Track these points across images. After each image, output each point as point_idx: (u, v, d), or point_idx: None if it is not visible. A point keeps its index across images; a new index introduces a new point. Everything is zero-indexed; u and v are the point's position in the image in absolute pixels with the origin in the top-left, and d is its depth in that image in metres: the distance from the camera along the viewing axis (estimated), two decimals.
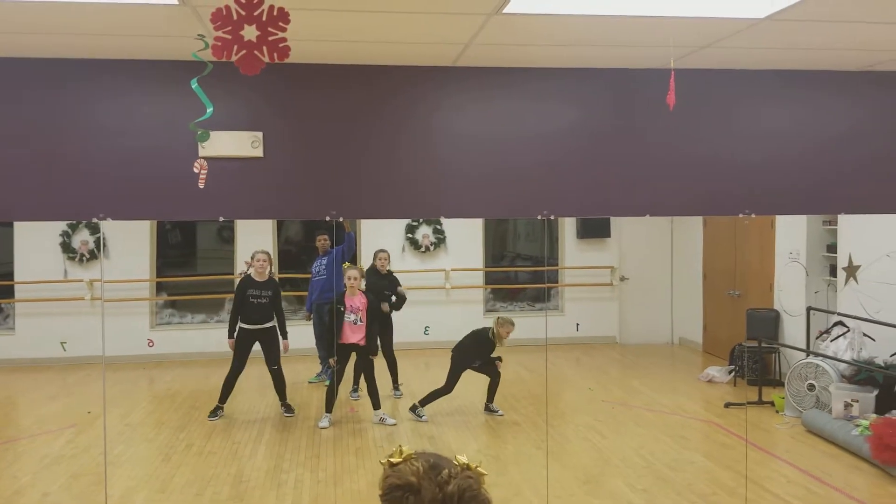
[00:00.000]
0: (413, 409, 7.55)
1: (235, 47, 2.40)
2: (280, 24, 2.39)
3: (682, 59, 4.12)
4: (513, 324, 7.51)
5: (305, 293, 9.41)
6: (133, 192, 4.00)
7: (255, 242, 10.43)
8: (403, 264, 10.64)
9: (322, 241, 8.96)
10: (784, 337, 8.83)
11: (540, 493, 5.52)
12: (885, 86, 4.53)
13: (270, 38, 2.39)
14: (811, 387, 7.23)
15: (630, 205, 4.42)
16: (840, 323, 7.60)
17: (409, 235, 11.03)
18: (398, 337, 8.49)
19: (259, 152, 4.07)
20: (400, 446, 1.58)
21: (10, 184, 3.93)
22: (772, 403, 7.75)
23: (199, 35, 3.40)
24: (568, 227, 11.44)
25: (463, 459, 1.55)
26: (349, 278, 7.33)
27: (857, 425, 6.35)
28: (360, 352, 7.46)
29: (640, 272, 11.47)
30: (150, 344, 10.52)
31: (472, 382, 7.76)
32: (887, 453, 5.79)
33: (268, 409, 7.89)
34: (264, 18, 2.37)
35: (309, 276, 9.22)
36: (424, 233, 11.07)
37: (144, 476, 6.05)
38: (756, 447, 6.58)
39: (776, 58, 4.20)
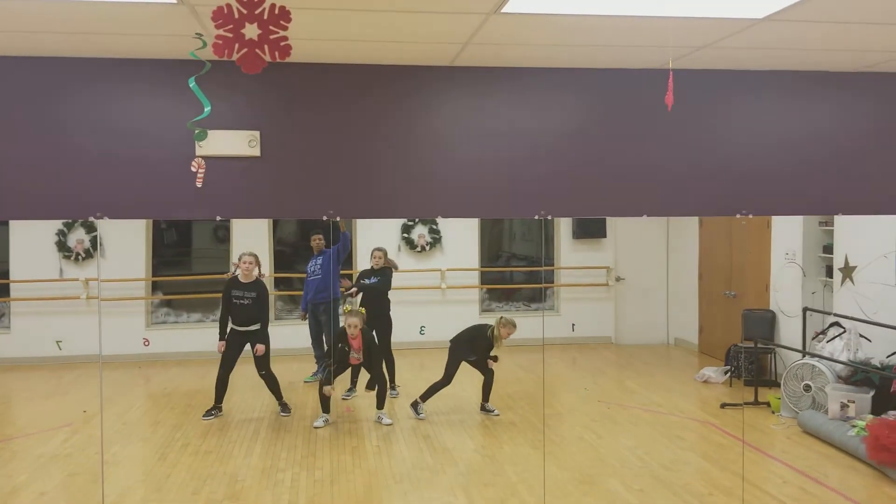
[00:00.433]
0: (414, 405, 7.55)
1: (237, 46, 2.39)
2: (281, 22, 2.39)
3: (680, 60, 4.12)
4: (514, 326, 7.50)
5: (300, 293, 9.41)
6: (130, 190, 3.99)
7: (250, 242, 10.45)
8: (399, 264, 10.59)
9: (317, 240, 8.96)
10: (780, 338, 8.84)
11: (536, 494, 5.52)
12: (882, 87, 4.54)
13: (272, 37, 2.39)
14: (807, 387, 7.24)
15: (627, 205, 4.43)
16: (836, 324, 7.61)
17: (405, 235, 11.03)
18: (393, 336, 8.47)
19: (256, 152, 4.07)
20: None
21: (6, 182, 3.92)
22: (768, 404, 7.76)
23: (196, 34, 3.40)
24: (563, 227, 11.45)
25: None
26: (350, 325, 7.24)
27: (854, 426, 6.36)
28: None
29: (636, 272, 11.48)
30: (146, 343, 10.50)
31: (469, 381, 7.76)
32: (883, 454, 5.80)
33: (264, 408, 7.88)
34: (266, 17, 2.36)
35: (304, 275, 9.22)
36: (420, 233, 11.07)
37: (141, 475, 6.04)
38: (752, 447, 6.58)
39: (774, 58, 4.20)
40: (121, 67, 3.97)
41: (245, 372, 7.77)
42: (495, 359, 7.65)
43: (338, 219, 4.23)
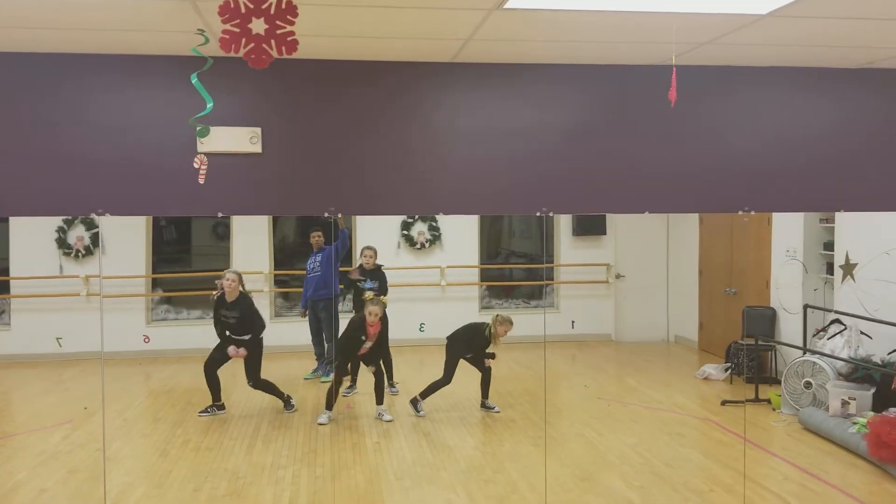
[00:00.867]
0: (414, 402, 7.55)
1: (243, 41, 2.38)
2: (288, 17, 2.38)
3: (682, 56, 4.11)
4: (511, 323, 7.51)
5: (300, 290, 9.40)
6: (132, 187, 3.98)
7: (250, 239, 10.46)
8: (399, 261, 10.64)
9: (316, 237, 8.96)
10: (781, 335, 8.84)
11: (537, 491, 5.52)
12: (884, 84, 4.54)
13: (278, 32, 2.38)
14: (808, 384, 7.24)
15: (628, 202, 4.42)
16: (837, 321, 7.61)
17: (405, 232, 11.02)
18: (393, 334, 8.47)
19: (258, 148, 4.06)
20: None
21: (7, 179, 3.91)
22: (768, 401, 7.76)
23: (199, 29, 3.39)
24: (563, 224, 11.44)
25: None
26: (372, 314, 7.31)
27: (854, 423, 6.37)
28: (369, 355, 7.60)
29: (636, 270, 11.48)
30: (146, 340, 10.50)
31: (469, 378, 7.76)
32: (884, 451, 5.80)
33: (265, 404, 7.87)
34: (272, 12, 2.35)
35: (304, 272, 9.22)
36: (420, 230, 11.06)
37: (142, 472, 6.04)
38: (753, 444, 6.58)
39: (776, 54, 4.20)
40: (123, 64, 3.96)
41: (239, 371, 7.76)
42: (492, 356, 7.66)
43: (339, 216, 4.23)
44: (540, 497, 5.40)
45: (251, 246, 10.62)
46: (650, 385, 8.78)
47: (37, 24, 3.47)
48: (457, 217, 10.67)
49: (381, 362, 7.75)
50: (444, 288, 11.04)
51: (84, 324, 10.03)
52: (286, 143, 4.11)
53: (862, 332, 7.30)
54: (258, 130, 4.06)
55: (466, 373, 7.72)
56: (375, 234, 10.32)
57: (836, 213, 7.79)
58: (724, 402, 7.88)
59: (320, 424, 7.19)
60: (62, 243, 10.29)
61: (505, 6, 3.23)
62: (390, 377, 8.33)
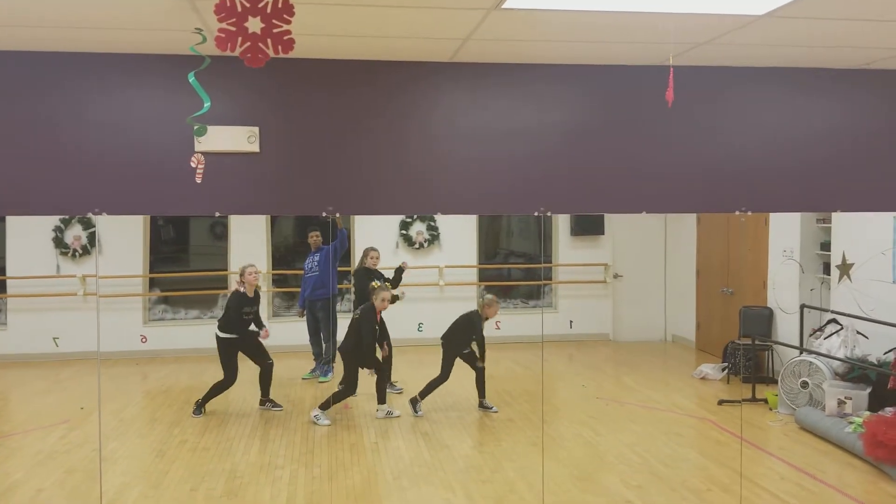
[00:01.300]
0: (413, 402, 7.56)
1: (240, 39, 2.38)
2: (284, 16, 2.37)
3: (680, 56, 4.12)
4: (497, 301, 7.70)
5: (297, 289, 9.40)
6: (129, 186, 3.98)
7: (248, 238, 10.45)
8: (397, 261, 10.60)
9: (314, 237, 8.95)
10: (777, 334, 8.85)
11: (535, 490, 5.53)
12: (881, 84, 4.54)
13: (275, 31, 2.37)
14: (804, 384, 7.25)
15: (626, 201, 4.43)
16: (834, 321, 7.62)
17: (403, 232, 11.02)
18: (391, 334, 8.46)
19: (255, 147, 4.06)
20: None
21: (3, 178, 3.90)
22: (765, 401, 7.77)
23: (196, 28, 3.39)
24: (562, 224, 11.45)
25: None
26: (383, 300, 7.48)
27: (851, 422, 6.38)
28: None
29: (634, 269, 11.49)
30: (143, 340, 10.49)
31: (467, 378, 7.76)
32: (880, 450, 5.81)
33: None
34: (269, 10, 2.35)
35: (301, 272, 9.21)
36: (418, 229, 11.07)
37: (138, 472, 6.03)
38: (750, 444, 6.59)
39: (773, 55, 4.20)
40: (120, 62, 3.96)
41: (243, 368, 7.76)
42: (481, 362, 7.68)
43: (337, 215, 4.23)
44: (538, 497, 5.40)
45: (249, 245, 10.61)
46: (648, 385, 8.79)
47: (33, 23, 3.46)
48: (455, 217, 10.68)
49: (384, 360, 7.78)
50: (443, 288, 11.04)
51: (81, 323, 10.03)
52: (284, 142, 4.11)
53: (858, 332, 7.32)
54: (256, 130, 4.06)
55: (465, 372, 7.72)
56: (374, 233, 10.32)
57: (833, 214, 7.81)
58: (721, 402, 7.89)
59: (322, 425, 7.16)
60: (59, 242, 10.28)
61: (503, 6, 3.24)
62: (389, 377, 8.33)
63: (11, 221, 10.04)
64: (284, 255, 11.38)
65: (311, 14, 3.27)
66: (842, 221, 7.84)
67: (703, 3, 3.29)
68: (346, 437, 6.86)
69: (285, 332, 9.77)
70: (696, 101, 4.39)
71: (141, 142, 3.98)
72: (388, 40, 3.81)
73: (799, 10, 3.35)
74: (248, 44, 2.39)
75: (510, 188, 4.30)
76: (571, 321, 11.43)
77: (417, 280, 10.76)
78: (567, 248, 11.49)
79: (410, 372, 8.91)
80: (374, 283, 8.01)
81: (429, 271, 10.96)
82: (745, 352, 8.69)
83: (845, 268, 7.73)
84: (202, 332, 10.02)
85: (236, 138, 4.04)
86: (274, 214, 9.78)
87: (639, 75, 4.33)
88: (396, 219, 10.96)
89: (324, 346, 9.01)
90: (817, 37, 3.83)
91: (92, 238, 10.30)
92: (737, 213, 4.49)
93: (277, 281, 11.19)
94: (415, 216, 10.90)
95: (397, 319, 8.72)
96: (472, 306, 7.68)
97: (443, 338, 7.72)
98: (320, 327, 8.93)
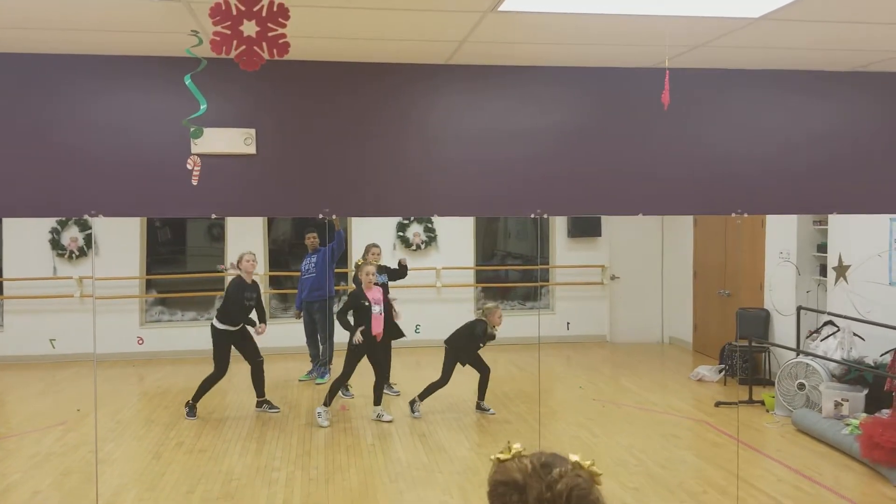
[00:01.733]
0: (412, 403, 7.56)
1: (235, 43, 2.37)
2: (280, 19, 2.38)
3: (676, 59, 4.12)
4: (498, 306, 7.69)
5: (294, 291, 9.39)
6: (125, 188, 3.97)
7: (245, 240, 10.43)
8: (394, 262, 10.61)
9: (311, 239, 8.95)
10: (774, 336, 8.86)
11: None
12: (877, 86, 4.55)
13: (270, 34, 2.37)
14: (801, 386, 7.26)
15: (623, 203, 4.43)
16: (830, 322, 7.63)
17: (400, 234, 11.02)
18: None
19: (252, 149, 4.05)
20: (509, 443, 1.49)
21: (0, 180, 3.90)
22: (762, 402, 7.78)
23: (193, 31, 3.39)
24: (559, 225, 11.46)
25: (574, 458, 1.47)
26: (367, 273, 7.43)
27: (847, 424, 6.38)
28: (381, 343, 7.63)
29: (631, 271, 11.49)
30: (140, 342, 10.48)
31: (464, 380, 7.76)
32: (877, 452, 5.82)
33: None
34: (264, 14, 2.35)
35: (298, 273, 9.21)
36: (415, 231, 11.06)
37: (135, 474, 6.02)
38: (746, 446, 6.59)
39: (769, 57, 4.21)
40: (117, 64, 3.95)
41: (239, 370, 7.75)
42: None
43: (334, 217, 4.22)
44: None
45: (246, 247, 10.57)
46: (645, 386, 8.79)
47: (29, 25, 3.46)
48: (452, 219, 10.67)
49: (382, 361, 7.78)
50: (440, 289, 11.04)
51: (77, 325, 10.00)
52: (280, 144, 4.10)
53: (855, 334, 7.32)
54: (252, 132, 4.05)
55: (463, 375, 7.72)
56: (371, 235, 10.29)
57: (830, 216, 7.82)
58: (717, 404, 7.89)
59: (322, 427, 7.16)
60: (56, 244, 10.27)
61: (499, 9, 3.24)
62: (387, 379, 8.33)
63: (8, 223, 10.03)
64: (281, 256, 11.37)
65: (307, 17, 3.27)
66: (838, 223, 7.85)
67: (698, 5, 3.29)
68: (343, 440, 6.85)
69: (282, 334, 9.76)
70: (692, 103, 4.39)
71: (137, 144, 3.97)
72: (384, 43, 3.81)
73: (794, 13, 3.35)
74: (244, 47, 2.39)
75: (507, 190, 4.30)
76: (568, 323, 11.44)
77: (415, 282, 10.76)
78: (564, 250, 11.50)
79: (408, 374, 8.91)
80: (358, 260, 7.98)
81: (426, 273, 10.96)
82: (741, 354, 8.70)
83: (842, 270, 7.76)
84: (199, 334, 10.01)
85: (233, 140, 4.03)
86: (271, 216, 9.77)
87: (635, 78, 4.33)
88: (393, 220, 10.96)
89: (321, 347, 9.00)
90: (812, 40, 3.84)
91: (88, 240, 10.29)
92: (733, 215, 4.50)
93: (274, 282, 11.18)
94: (412, 218, 10.89)
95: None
96: (469, 308, 7.69)
97: (447, 341, 7.71)
98: (317, 329, 8.92)
